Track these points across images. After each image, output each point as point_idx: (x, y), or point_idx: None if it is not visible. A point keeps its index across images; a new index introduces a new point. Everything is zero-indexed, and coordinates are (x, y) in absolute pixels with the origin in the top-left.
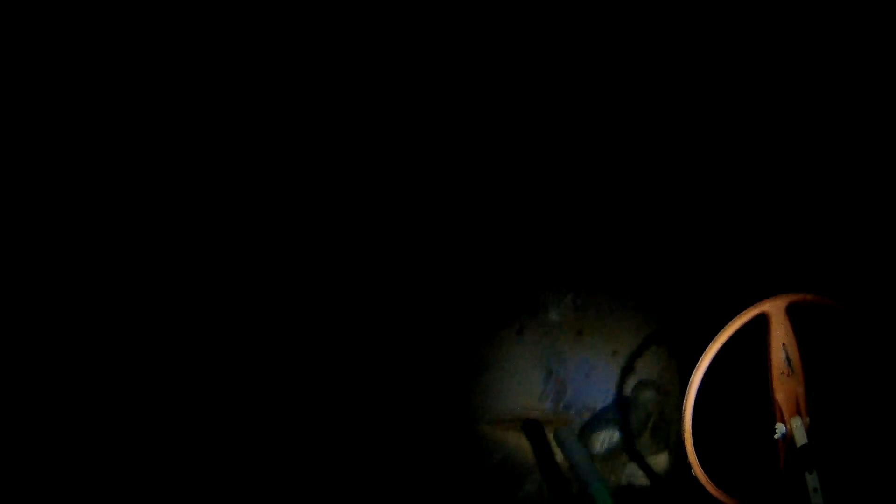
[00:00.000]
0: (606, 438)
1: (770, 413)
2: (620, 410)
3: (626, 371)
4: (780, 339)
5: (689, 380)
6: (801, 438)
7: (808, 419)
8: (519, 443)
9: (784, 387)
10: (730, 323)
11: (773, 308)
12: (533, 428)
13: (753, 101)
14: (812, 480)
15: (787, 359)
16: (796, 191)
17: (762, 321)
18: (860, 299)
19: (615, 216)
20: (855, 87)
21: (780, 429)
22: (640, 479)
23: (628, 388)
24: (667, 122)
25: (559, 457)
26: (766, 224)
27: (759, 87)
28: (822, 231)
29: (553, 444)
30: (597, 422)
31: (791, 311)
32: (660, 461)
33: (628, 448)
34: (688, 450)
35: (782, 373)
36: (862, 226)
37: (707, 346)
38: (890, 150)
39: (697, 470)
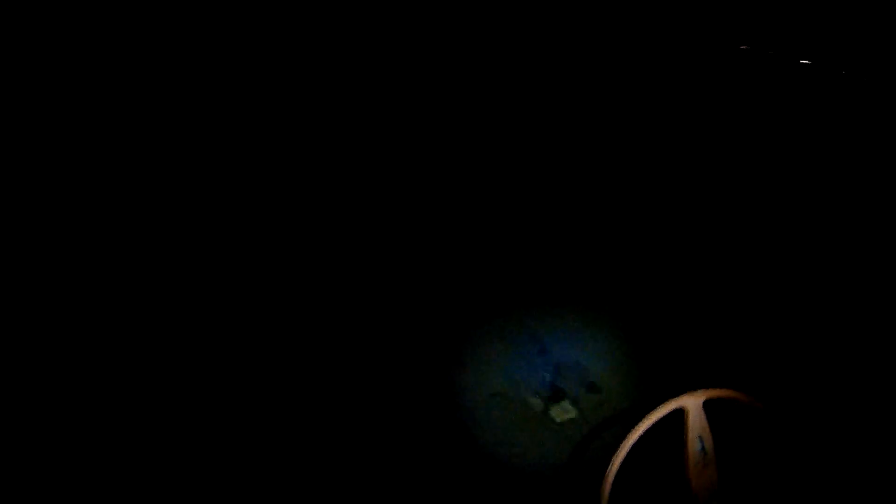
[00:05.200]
0: None
1: (688, 502)
2: None
3: None
4: (697, 431)
5: (606, 470)
6: None
7: None
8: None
9: (700, 476)
10: (647, 416)
11: (691, 403)
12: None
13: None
14: None
15: (703, 449)
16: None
17: (679, 414)
18: (774, 394)
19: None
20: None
21: None
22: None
23: None
24: None
25: None
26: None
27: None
28: (738, 328)
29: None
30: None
31: (708, 406)
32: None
33: None
34: None
35: (698, 463)
36: (775, 323)
37: (624, 437)
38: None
39: None
